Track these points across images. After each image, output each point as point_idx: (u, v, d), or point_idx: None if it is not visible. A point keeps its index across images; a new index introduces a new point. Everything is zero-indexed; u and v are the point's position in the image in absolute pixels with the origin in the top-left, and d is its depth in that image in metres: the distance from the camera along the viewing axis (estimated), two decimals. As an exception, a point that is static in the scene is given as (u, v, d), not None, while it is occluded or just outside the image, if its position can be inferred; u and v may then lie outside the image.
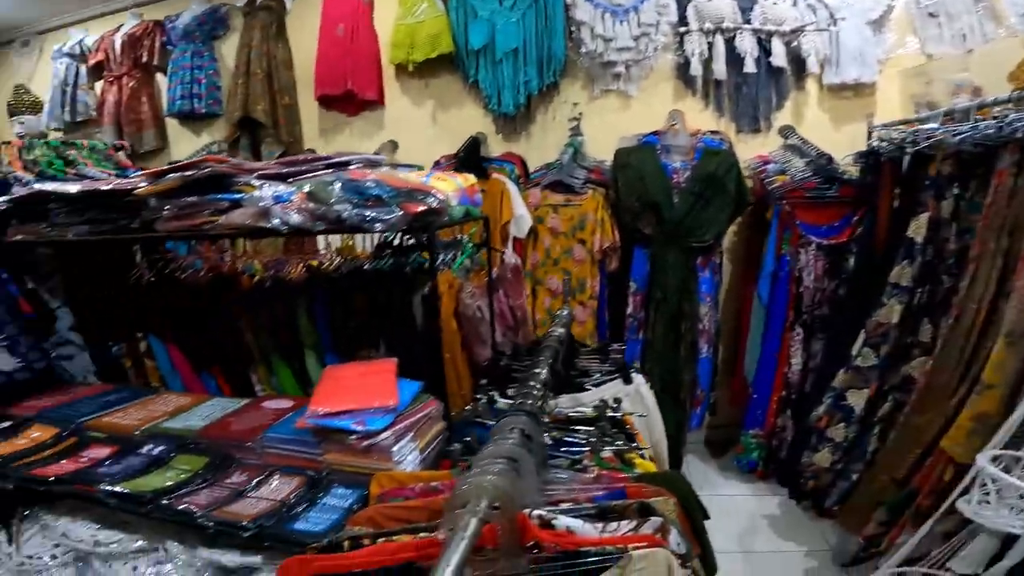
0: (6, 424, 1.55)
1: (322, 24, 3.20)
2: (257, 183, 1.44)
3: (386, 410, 1.24)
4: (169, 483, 1.29)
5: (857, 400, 2.08)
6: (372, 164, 1.57)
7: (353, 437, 1.20)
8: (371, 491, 1.13)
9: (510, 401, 1.50)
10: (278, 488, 1.28)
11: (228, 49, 3.53)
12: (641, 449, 1.27)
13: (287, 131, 3.26)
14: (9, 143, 1.86)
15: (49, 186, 1.53)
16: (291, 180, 1.45)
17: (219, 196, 1.44)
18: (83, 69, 3.70)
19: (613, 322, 2.65)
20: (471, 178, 1.61)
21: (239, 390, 1.83)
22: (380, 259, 1.79)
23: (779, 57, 2.66)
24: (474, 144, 2.89)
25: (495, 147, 3.05)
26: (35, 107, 3.54)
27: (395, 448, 1.22)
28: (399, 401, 1.26)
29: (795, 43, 2.67)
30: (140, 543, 1.40)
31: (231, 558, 1.26)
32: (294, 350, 1.77)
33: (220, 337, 1.84)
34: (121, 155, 2.20)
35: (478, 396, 1.54)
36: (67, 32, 3.86)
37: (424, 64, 3.03)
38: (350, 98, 3.22)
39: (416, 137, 3.17)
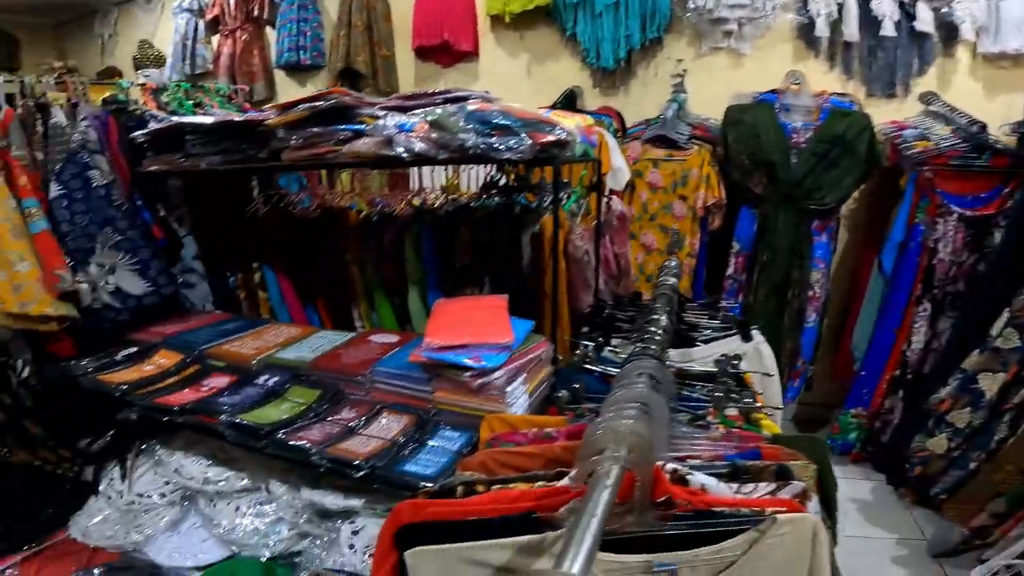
0: (134, 349, 1.62)
1: (420, -24, 3.20)
2: (381, 114, 1.46)
3: (501, 347, 1.20)
4: (284, 416, 1.27)
5: (990, 384, 1.88)
6: (488, 100, 1.55)
7: (467, 374, 1.17)
8: (481, 434, 1.09)
9: (616, 350, 1.48)
10: (388, 426, 1.25)
11: (330, 2, 3.60)
12: (766, 409, 1.19)
13: (385, 81, 3.31)
14: (144, 85, 1.98)
15: (186, 119, 1.62)
16: (412, 112, 1.46)
17: (342, 127, 1.47)
18: (201, 24, 3.90)
19: (710, 282, 2.54)
20: (588, 118, 1.55)
21: (340, 324, 1.89)
22: (486, 198, 1.78)
23: (925, 22, 2.42)
24: (570, 96, 2.81)
25: (591, 101, 2.95)
26: (159, 61, 3.76)
27: (508, 389, 1.19)
28: (514, 339, 1.23)
29: (944, 9, 2.41)
30: (245, 482, 1.42)
31: (333, 500, 1.25)
32: (397, 286, 1.81)
33: (326, 271, 1.91)
34: (241, 98, 2.31)
35: (584, 343, 1.50)
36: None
37: (520, 16, 2.98)
38: (446, 49, 3.23)
39: (510, 89, 3.12)
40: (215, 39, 3.90)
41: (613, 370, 1.30)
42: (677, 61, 2.74)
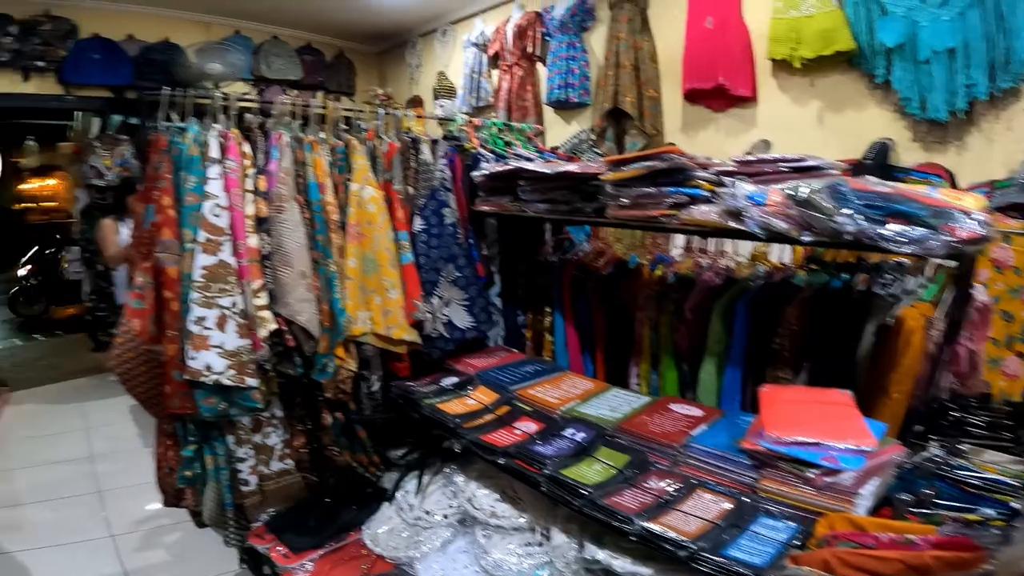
0: (455, 379, 1.75)
1: (689, 17, 3.14)
2: (726, 181, 1.39)
3: (861, 451, 1.09)
4: (599, 477, 1.27)
5: None
6: (842, 171, 1.38)
7: (813, 472, 1.09)
8: (817, 530, 1.02)
9: (968, 456, 1.21)
10: (705, 506, 1.18)
11: (596, 40, 3.70)
12: None
13: (651, 123, 3.30)
14: (470, 122, 2.18)
15: (526, 164, 1.73)
16: (757, 180, 1.37)
17: (678, 190, 1.43)
18: (484, 58, 4.34)
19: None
20: (981, 198, 1.28)
21: (615, 379, 1.85)
22: (808, 273, 1.61)
23: None
24: (882, 150, 2.47)
25: (906, 155, 2.55)
26: (452, 93, 4.28)
27: (861, 491, 1.07)
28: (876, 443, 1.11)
29: None
30: (522, 522, 1.46)
31: (623, 564, 1.21)
32: (688, 354, 1.73)
33: (612, 324, 1.89)
34: (539, 140, 2.46)
35: (932, 446, 1.25)
36: (473, 22, 4.50)
37: (811, 61, 2.71)
38: (719, 93, 3.10)
39: (794, 138, 2.87)
40: (495, 73, 4.30)
41: (971, 478, 1.11)
42: (1042, 113, 2.22)
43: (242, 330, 1.48)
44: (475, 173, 1.87)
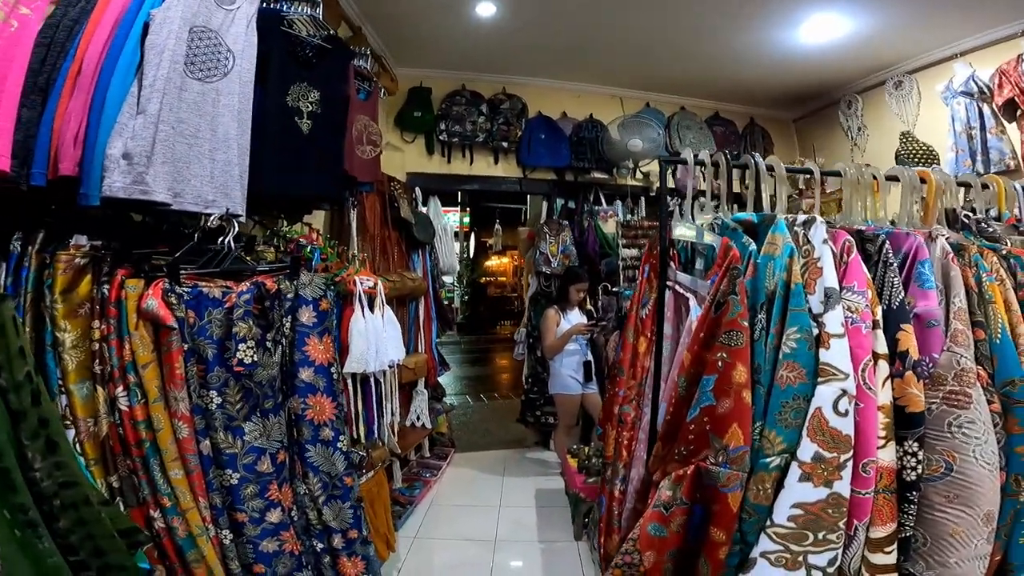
0: None
1: None
2: None
3: None
4: None
5: None
6: None
7: None
8: None
9: None
10: None
11: None
12: None
13: None
14: None
15: None
16: None
17: None
18: (986, 109, 3.11)
19: None
20: None
21: None
22: None
23: None
24: None
25: None
26: (930, 157, 3.18)
27: None
28: None
29: None
30: None
31: None
32: None
33: None
34: None
35: None
36: (949, 67, 3.38)
37: None
38: None
39: None
40: (1012, 127, 3.01)
41: None
42: None
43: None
44: None
